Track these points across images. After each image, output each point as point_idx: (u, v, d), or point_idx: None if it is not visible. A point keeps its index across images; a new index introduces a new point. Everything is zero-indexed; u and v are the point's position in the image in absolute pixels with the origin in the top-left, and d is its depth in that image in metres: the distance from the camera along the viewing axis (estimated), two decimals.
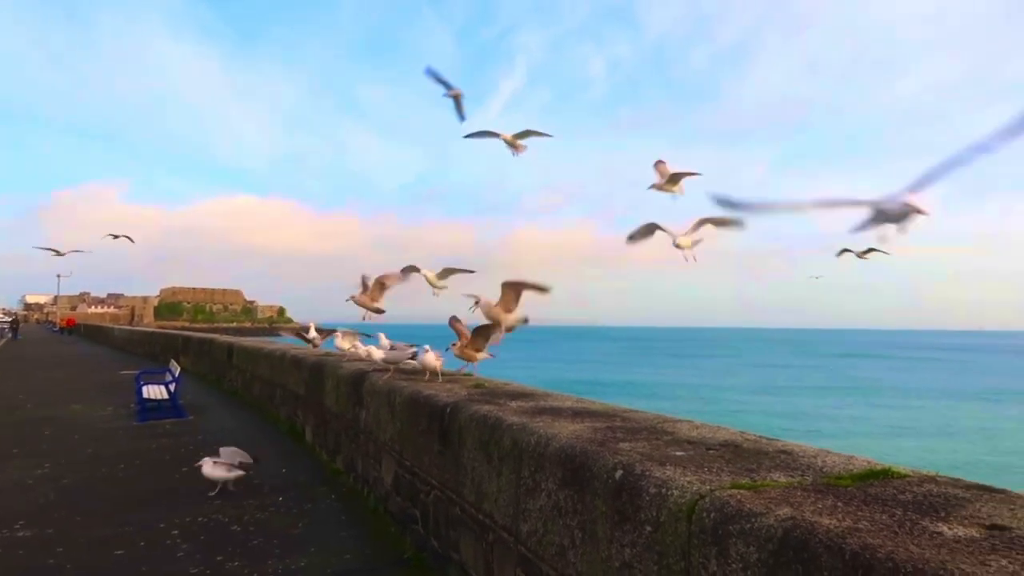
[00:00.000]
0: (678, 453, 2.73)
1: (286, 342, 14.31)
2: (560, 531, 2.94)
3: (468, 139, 6.59)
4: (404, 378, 6.06)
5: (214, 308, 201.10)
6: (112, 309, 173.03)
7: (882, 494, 2.09)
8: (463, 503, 4.08)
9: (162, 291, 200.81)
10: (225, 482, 6.80)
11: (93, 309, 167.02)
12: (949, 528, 1.76)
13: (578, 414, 3.79)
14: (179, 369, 12.61)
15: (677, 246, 5.21)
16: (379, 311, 7.06)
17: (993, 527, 1.76)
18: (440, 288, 6.67)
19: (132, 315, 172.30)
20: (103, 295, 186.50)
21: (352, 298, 7.00)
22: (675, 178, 5.44)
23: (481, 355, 5.69)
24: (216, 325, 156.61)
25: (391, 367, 6.56)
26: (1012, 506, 1.95)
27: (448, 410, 4.43)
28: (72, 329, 61.25)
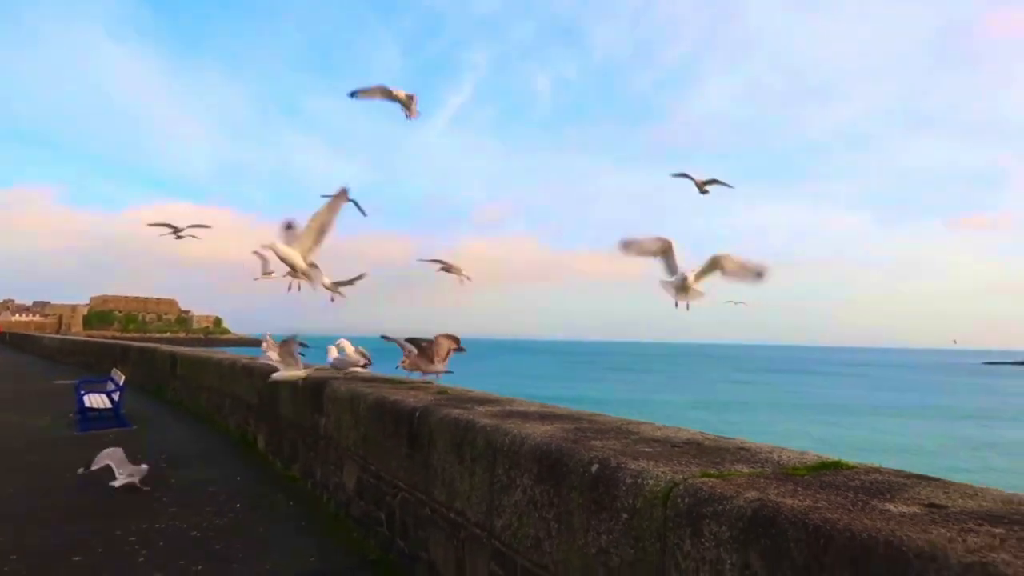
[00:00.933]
0: (647, 449, 2.95)
1: (233, 351, 14.17)
2: (536, 524, 3.12)
3: (355, 98, 5.91)
4: (367, 385, 6.16)
5: (147, 317, 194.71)
6: (38, 317, 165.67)
7: (834, 481, 2.35)
8: (433, 503, 4.22)
9: (92, 299, 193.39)
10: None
11: (17, 317, 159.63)
12: (895, 506, 2.01)
13: (545, 417, 3.99)
14: (123, 377, 12.32)
15: (682, 288, 4.33)
16: (308, 278, 5.71)
17: (932, 505, 2.03)
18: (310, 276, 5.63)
19: (59, 324, 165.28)
20: (28, 302, 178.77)
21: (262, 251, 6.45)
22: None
23: (439, 367, 5.85)
24: (149, 335, 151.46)
25: (340, 372, 6.81)
26: (946, 490, 2.22)
27: (417, 414, 4.57)
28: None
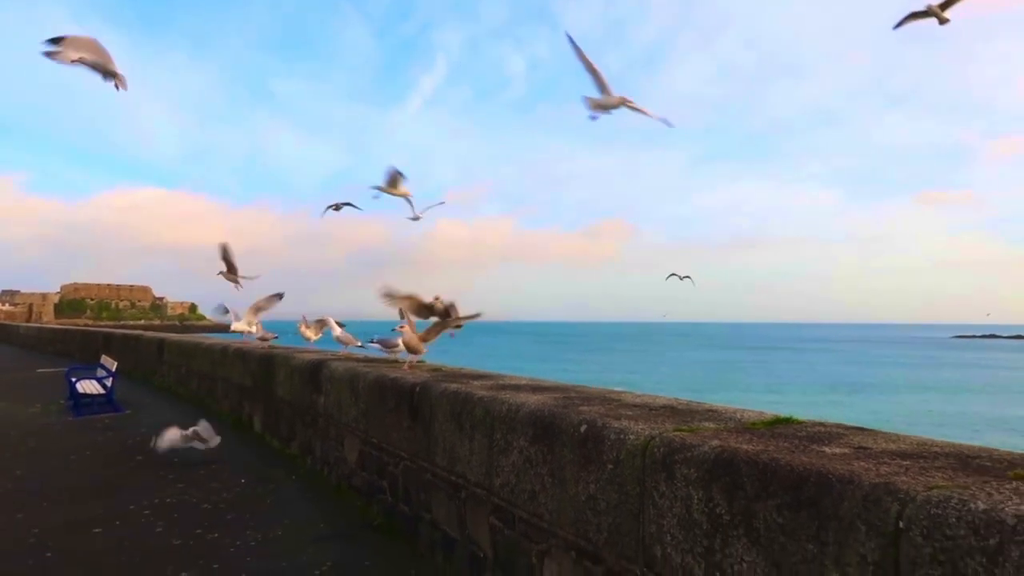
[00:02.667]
0: (628, 412, 3.40)
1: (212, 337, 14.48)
2: (532, 479, 3.57)
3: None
4: (364, 364, 6.56)
5: (120, 305, 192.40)
6: (7, 307, 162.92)
7: (785, 432, 2.81)
8: (435, 469, 4.66)
9: (63, 287, 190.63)
10: (179, 445, 7.49)
11: None
12: (829, 449, 2.48)
13: (536, 389, 4.43)
14: (115, 364, 12.58)
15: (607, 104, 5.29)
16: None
17: (859, 448, 2.49)
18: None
19: (30, 313, 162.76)
20: None
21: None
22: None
23: (425, 345, 6.11)
24: (123, 323, 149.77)
25: (344, 348, 7.35)
26: (874, 437, 2.69)
27: (417, 389, 4.99)
28: None
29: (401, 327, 6.11)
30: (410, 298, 5.66)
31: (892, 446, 2.51)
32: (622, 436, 2.98)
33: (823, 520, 2.07)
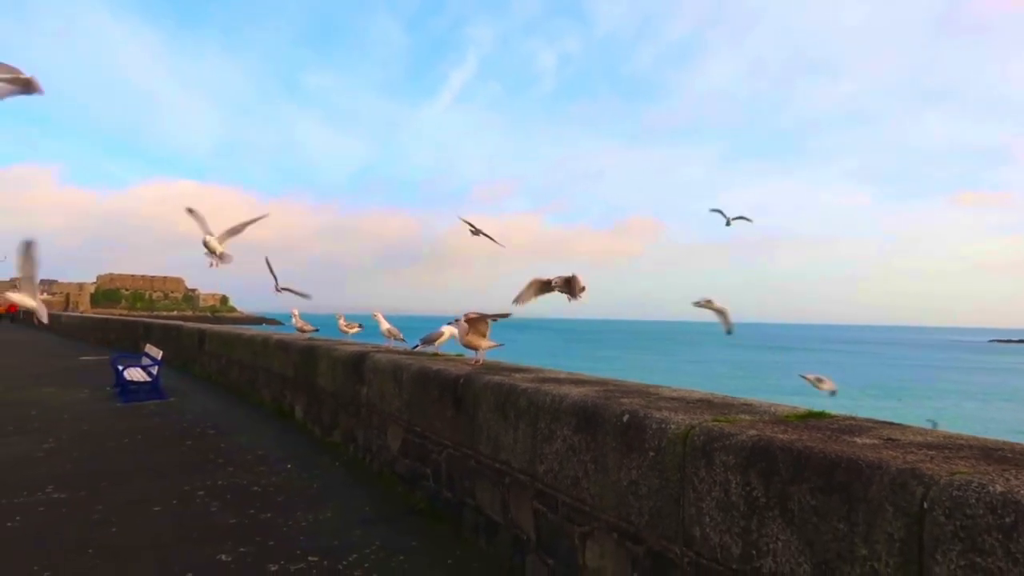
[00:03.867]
0: (666, 405, 3.60)
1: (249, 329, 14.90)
2: (575, 466, 3.79)
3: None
4: (406, 357, 6.84)
5: (154, 296, 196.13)
6: (45, 296, 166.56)
7: (818, 424, 3.00)
8: (478, 456, 4.90)
9: (99, 278, 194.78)
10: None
11: None
12: (860, 439, 2.66)
13: (576, 382, 4.65)
14: (160, 353, 13.04)
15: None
16: (224, 260, 7.88)
17: (888, 439, 2.68)
18: (218, 254, 7.70)
19: (67, 302, 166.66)
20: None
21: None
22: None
23: (486, 343, 6.04)
24: (156, 313, 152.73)
25: (392, 341, 7.64)
26: (903, 431, 2.87)
27: (461, 381, 5.24)
28: (13, 316, 59.25)
29: (457, 321, 6.12)
30: (532, 284, 5.92)
31: (919, 438, 2.68)
32: (663, 426, 3.19)
33: (853, 502, 2.27)
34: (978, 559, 1.91)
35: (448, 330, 6.56)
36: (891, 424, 3.06)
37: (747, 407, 3.54)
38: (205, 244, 7.60)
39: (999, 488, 1.94)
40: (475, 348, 5.99)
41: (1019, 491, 1.90)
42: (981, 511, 1.93)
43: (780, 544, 2.52)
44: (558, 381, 4.67)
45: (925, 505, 2.06)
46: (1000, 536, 1.87)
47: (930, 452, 2.42)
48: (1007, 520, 1.86)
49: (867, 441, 2.63)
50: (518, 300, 5.90)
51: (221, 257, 7.77)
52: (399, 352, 7.49)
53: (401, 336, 7.97)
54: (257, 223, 7.99)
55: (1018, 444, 2.56)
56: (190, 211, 7.40)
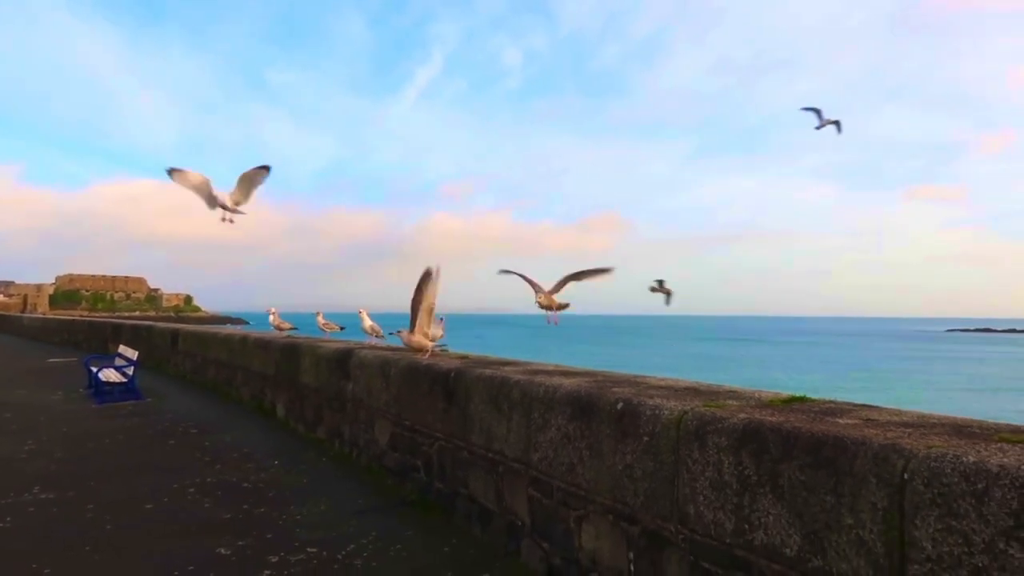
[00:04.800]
0: (656, 393, 3.80)
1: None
2: (569, 453, 3.97)
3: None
4: (393, 352, 6.96)
5: (115, 296, 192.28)
6: (2, 297, 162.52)
7: (802, 407, 3.22)
8: (471, 447, 5.06)
9: (58, 278, 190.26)
10: None
11: None
12: (842, 420, 2.88)
13: (566, 373, 4.83)
14: (136, 354, 12.94)
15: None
16: (237, 214, 6.98)
17: (867, 420, 2.89)
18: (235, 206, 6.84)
19: (24, 304, 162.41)
20: None
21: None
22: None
23: (430, 343, 6.25)
24: (118, 314, 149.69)
25: (373, 338, 7.76)
26: (879, 412, 3.10)
27: (452, 374, 5.39)
28: None
29: (398, 332, 6.33)
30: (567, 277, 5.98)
31: (896, 418, 2.91)
32: (657, 412, 3.38)
33: (840, 476, 2.48)
34: (953, 522, 2.13)
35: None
36: (870, 406, 3.28)
37: (733, 393, 3.74)
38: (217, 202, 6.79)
39: (971, 458, 2.16)
40: (422, 349, 6.21)
41: (989, 460, 2.12)
42: (956, 479, 2.14)
43: (771, 518, 2.73)
44: (548, 373, 4.85)
45: (906, 476, 2.27)
46: (973, 501, 2.09)
47: (907, 430, 2.64)
48: (979, 486, 2.08)
49: (849, 421, 2.84)
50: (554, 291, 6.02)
51: (236, 207, 6.88)
52: (384, 348, 7.60)
53: (382, 333, 8.08)
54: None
55: (985, 421, 2.80)
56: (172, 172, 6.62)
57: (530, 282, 6.14)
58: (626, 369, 5.28)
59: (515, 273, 6.26)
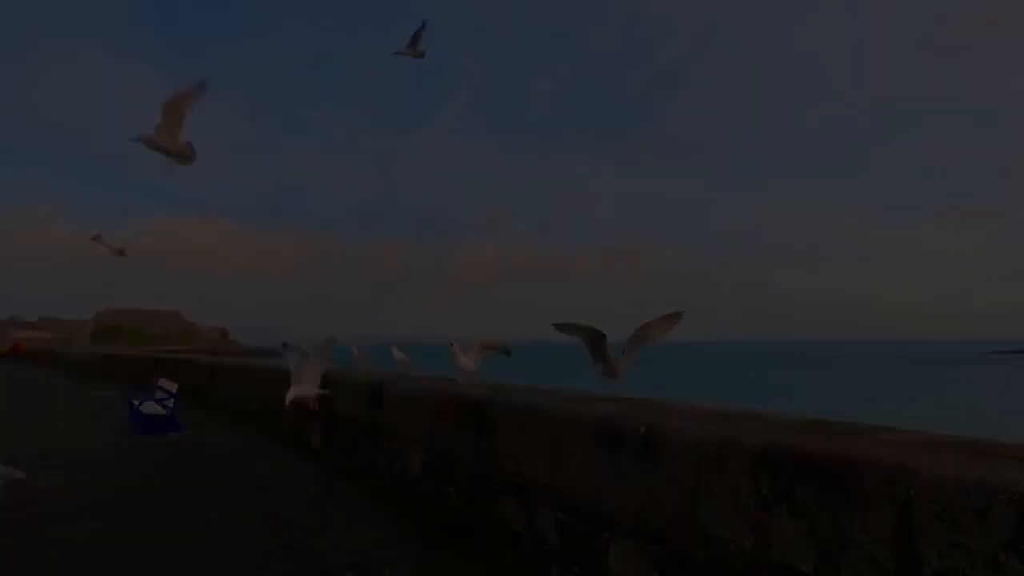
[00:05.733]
0: (679, 417, 3.93)
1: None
2: (595, 477, 4.10)
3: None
4: (424, 382, 7.16)
5: (153, 331, 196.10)
6: (48, 333, 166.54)
7: (819, 430, 3.33)
8: (502, 473, 5.20)
9: (98, 314, 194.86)
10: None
11: (25, 333, 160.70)
12: (857, 441, 2.99)
13: (593, 400, 4.97)
14: (175, 387, 13.32)
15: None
16: (184, 156, 6.07)
17: (881, 440, 3.00)
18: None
19: (68, 339, 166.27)
20: (34, 318, 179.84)
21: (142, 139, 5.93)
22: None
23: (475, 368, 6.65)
24: (157, 348, 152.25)
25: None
26: (895, 432, 3.20)
27: (482, 402, 5.56)
28: (17, 355, 58.93)
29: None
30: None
31: (909, 438, 3.01)
32: (678, 436, 3.52)
33: (851, 494, 2.60)
34: (957, 536, 2.24)
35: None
36: (887, 428, 3.38)
37: (753, 416, 3.86)
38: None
39: (974, 475, 2.27)
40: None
41: (990, 477, 2.23)
42: (959, 495, 2.25)
43: (788, 535, 2.84)
44: (576, 399, 4.99)
45: (911, 493, 2.39)
46: (975, 516, 2.20)
47: (918, 449, 2.74)
48: (980, 501, 2.19)
49: (863, 442, 2.95)
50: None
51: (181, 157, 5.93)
52: (415, 378, 7.80)
53: (411, 363, 8.32)
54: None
55: (999, 440, 2.90)
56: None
57: (592, 343, 5.15)
58: (649, 394, 5.15)
59: (573, 328, 5.19)
